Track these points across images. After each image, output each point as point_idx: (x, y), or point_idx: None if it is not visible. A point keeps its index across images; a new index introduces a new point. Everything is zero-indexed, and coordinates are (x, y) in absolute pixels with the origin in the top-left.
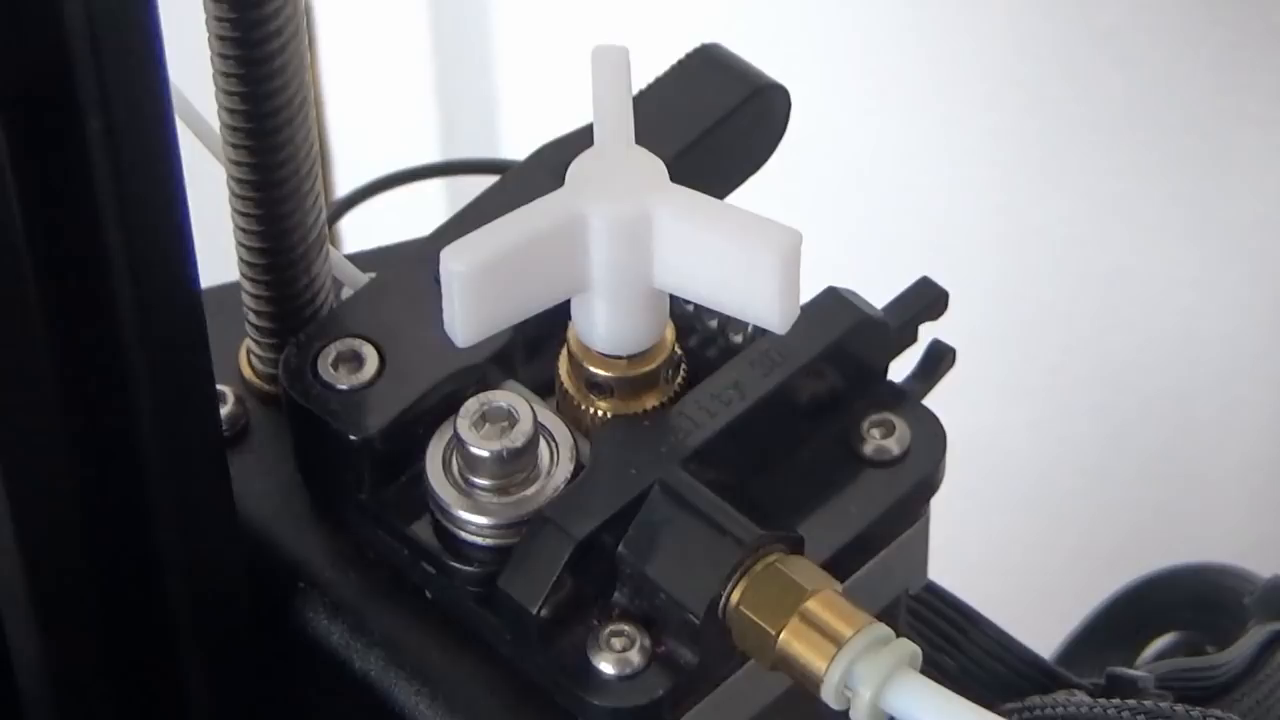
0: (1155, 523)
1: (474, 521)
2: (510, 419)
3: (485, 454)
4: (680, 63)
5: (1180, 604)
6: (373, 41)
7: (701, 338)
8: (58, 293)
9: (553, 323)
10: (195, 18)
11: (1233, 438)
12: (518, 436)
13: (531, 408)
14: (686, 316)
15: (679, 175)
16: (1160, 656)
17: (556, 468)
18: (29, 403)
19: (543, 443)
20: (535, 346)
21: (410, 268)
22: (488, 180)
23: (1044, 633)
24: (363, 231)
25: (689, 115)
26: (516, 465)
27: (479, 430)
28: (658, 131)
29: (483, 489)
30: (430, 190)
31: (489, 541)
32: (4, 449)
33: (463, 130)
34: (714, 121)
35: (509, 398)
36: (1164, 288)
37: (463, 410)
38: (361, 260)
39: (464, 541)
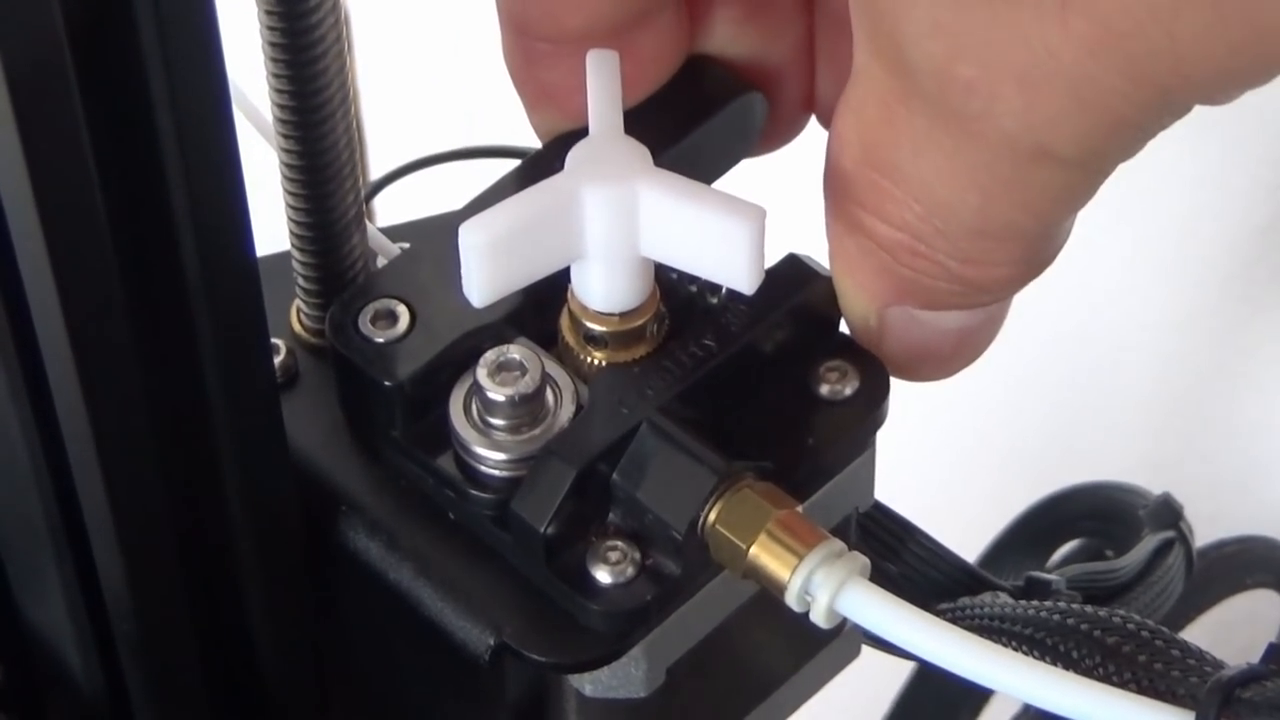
0: (1063, 447)
1: (490, 456)
2: (522, 369)
3: (500, 398)
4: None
5: (1084, 516)
6: (401, 47)
7: (682, 298)
8: (135, 262)
9: (556, 286)
10: (251, 26)
11: (1126, 376)
12: (528, 384)
13: (540, 360)
14: (669, 280)
15: (671, 166)
16: (1067, 561)
17: (560, 410)
18: (112, 357)
19: (548, 389)
20: (541, 306)
21: (438, 238)
22: (499, 163)
23: (969, 542)
24: (394, 208)
25: (682, 115)
26: (526, 408)
27: (495, 378)
28: (655, 128)
29: (498, 428)
30: (451, 172)
31: (502, 473)
32: (92, 398)
33: (480, 122)
34: (702, 121)
35: (520, 351)
36: (1068, 249)
37: (481, 361)
38: (394, 232)
39: (481, 473)
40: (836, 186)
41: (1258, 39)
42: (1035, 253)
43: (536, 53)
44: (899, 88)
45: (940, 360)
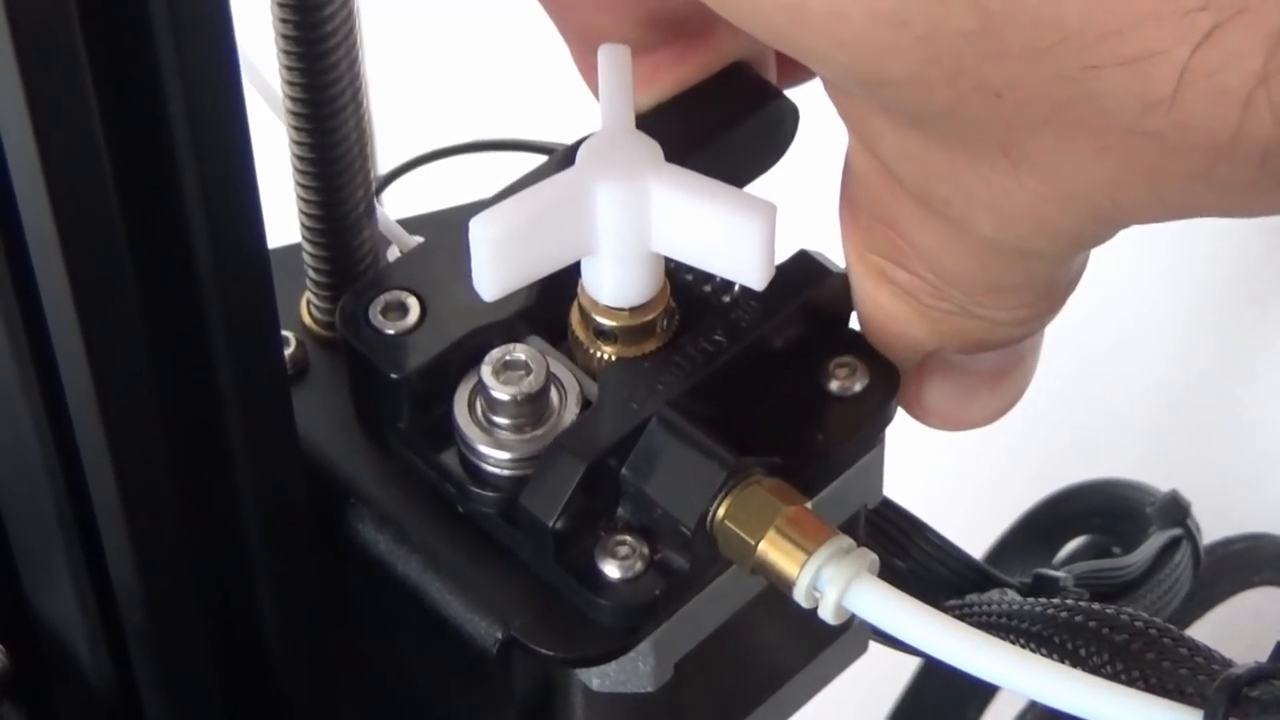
0: (1070, 444)
1: (493, 455)
2: (527, 369)
3: (504, 398)
4: (710, 77)
5: (1092, 512)
6: (412, 41)
7: (692, 293)
8: (147, 254)
9: (567, 280)
10: (265, 20)
11: (1133, 372)
12: (532, 384)
13: (545, 361)
14: (680, 275)
15: (702, 169)
16: (1074, 557)
17: (565, 410)
18: (124, 349)
19: (553, 390)
20: (552, 300)
21: (452, 232)
22: (508, 156)
23: (977, 538)
24: (404, 201)
25: (713, 120)
26: (530, 409)
27: (500, 377)
28: (686, 132)
29: (501, 427)
30: (460, 166)
31: (505, 471)
32: (103, 391)
33: (490, 115)
34: (733, 125)
35: (526, 351)
36: None
37: (487, 359)
38: (406, 225)
39: (484, 471)
40: (856, 240)
41: (1195, 210)
42: (1048, 293)
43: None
44: (893, 181)
45: (980, 405)
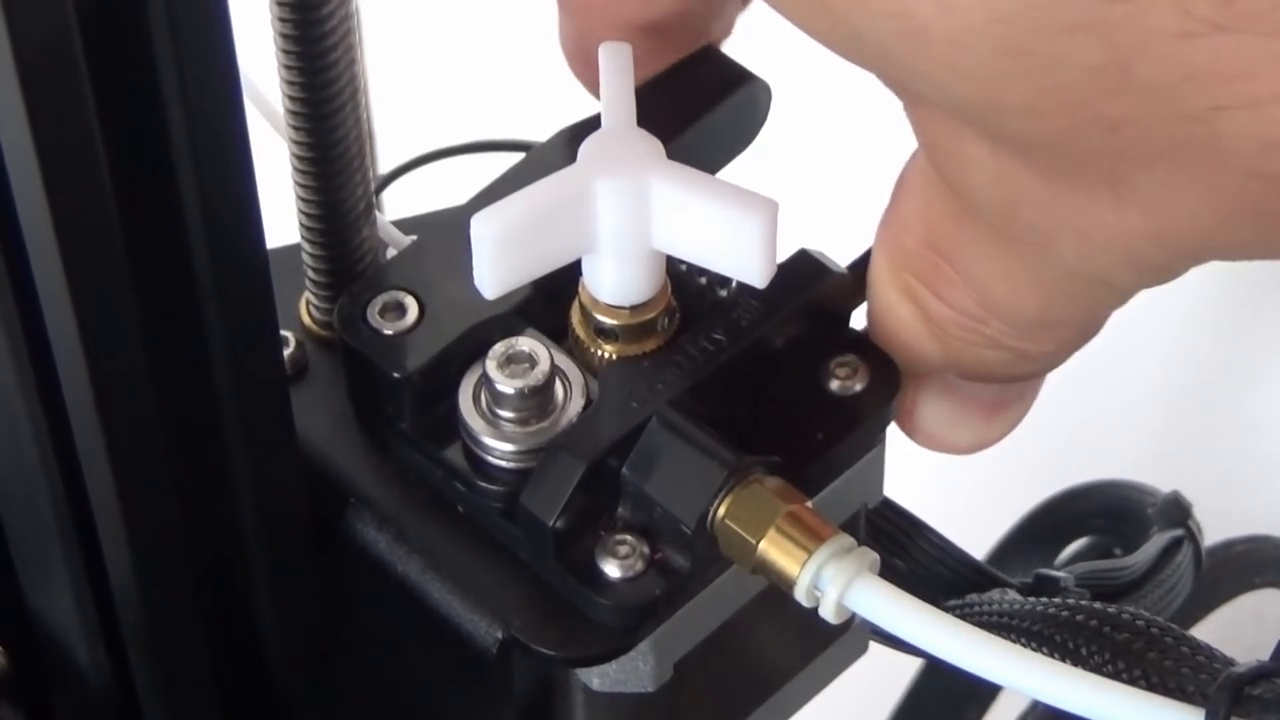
0: (1072, 445)
1: (499, 448)
2: (531, 361)
3: (510, 391)
4: (682, 60)
5: (1094, 513)
6: (411, 41)
7: (693, 291)
8: (145, 255)
9: (567, 279)
10: (263, 19)
11: (1135, 373)
12: (537, 376)
13: (549, 352)
14: (680, 274)
15: (677, 154)
16: (1075, 557)
17: (570, 403)
18: (122, 350)
19: (558, 382)
20: (552, 298)
21: (447, 231)
22: (507, 156)
23: (978, 539)
24: (403, 201)
25: (687, 104)
26: (536, 401)
27: (504, 370)
28: (661, 116)
29: (507, 420)
30: (459, 166)
31: (511, 465)
32: (101, 391)
33: (489, 115)
34: (707, 109)
35: (530, 344)
36: None
37: (491, 353)
38: (401, 226)
39: (490, 465)
40: (895, 257)
41: None
42: (1086, 333)
43: (593, 45)
44: (964, 206)
45: (970, 433)
